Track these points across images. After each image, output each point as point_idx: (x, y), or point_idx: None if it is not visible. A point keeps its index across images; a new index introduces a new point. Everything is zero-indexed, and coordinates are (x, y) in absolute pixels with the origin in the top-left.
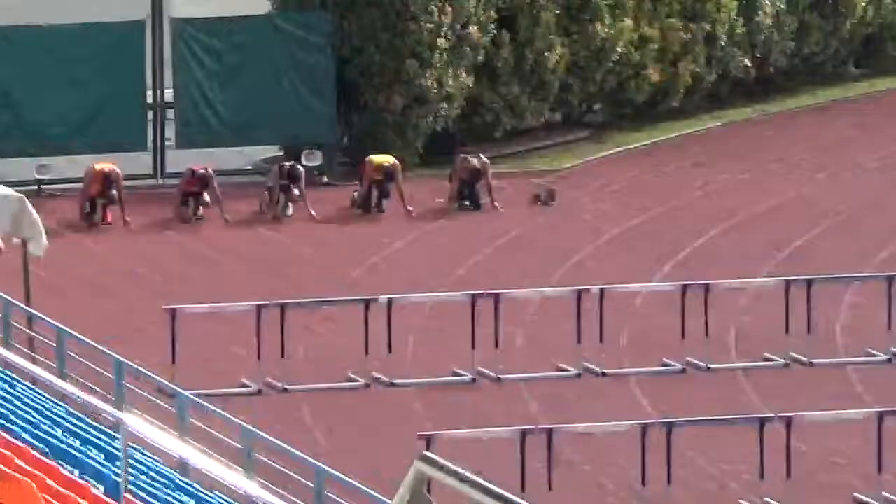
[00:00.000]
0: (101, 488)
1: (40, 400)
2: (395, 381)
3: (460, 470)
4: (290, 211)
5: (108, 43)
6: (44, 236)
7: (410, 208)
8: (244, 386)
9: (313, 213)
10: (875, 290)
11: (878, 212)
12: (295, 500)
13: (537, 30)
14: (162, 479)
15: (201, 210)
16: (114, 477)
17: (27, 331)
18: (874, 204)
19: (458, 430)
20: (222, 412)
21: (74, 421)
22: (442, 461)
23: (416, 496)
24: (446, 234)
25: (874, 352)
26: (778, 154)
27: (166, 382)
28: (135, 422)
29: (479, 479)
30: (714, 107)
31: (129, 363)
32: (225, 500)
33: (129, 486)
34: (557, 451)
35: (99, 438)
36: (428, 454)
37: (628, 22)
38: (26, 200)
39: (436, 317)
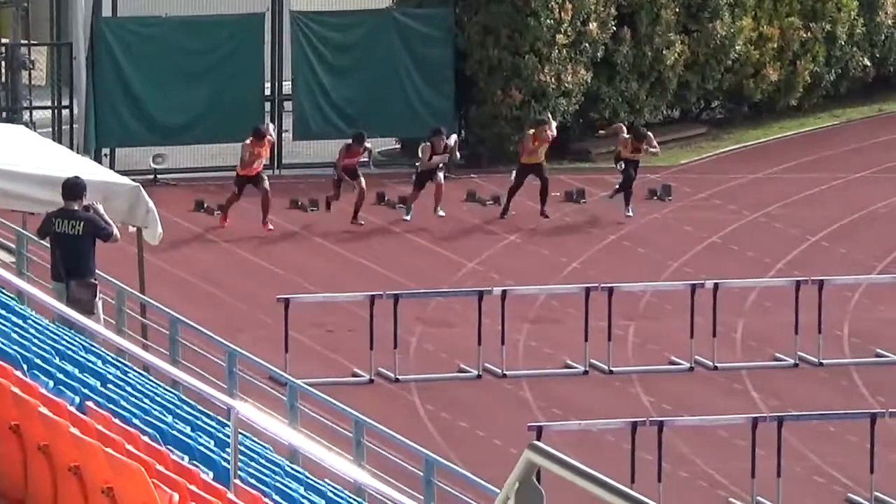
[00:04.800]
0: (211, 474)
1: (152, 386)
2: (506, 373)
3: (570, 460)
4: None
5: (227, 35)
6: (159, 225)
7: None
8: (356, 375)
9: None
10: None
11: None
12: (404, 488)
13: (657, 27)
14: (272, 467)
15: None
16: (223, 463)
17: (140, 318)
18: None
19: (568, 420)
20: (333, 401)
21: (185, 408)
22: (552, 451)
23: (526, 485)
24: (562, 228)
25: None
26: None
27: (278, 371)
28: (246, 409)
29: (590, 470)
30: (832, 106)
31: (241, 351)
32: (335, 489)
33: (239, 473)
34: (668, 443)
35: (209, 425)
36: (538, 443)
37: (748, 21)
38: (142, 189)
39: (549, 309)
